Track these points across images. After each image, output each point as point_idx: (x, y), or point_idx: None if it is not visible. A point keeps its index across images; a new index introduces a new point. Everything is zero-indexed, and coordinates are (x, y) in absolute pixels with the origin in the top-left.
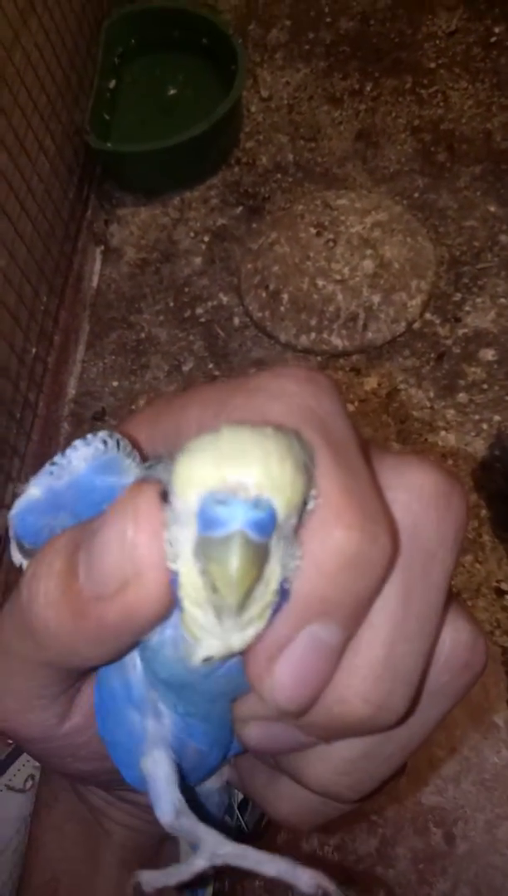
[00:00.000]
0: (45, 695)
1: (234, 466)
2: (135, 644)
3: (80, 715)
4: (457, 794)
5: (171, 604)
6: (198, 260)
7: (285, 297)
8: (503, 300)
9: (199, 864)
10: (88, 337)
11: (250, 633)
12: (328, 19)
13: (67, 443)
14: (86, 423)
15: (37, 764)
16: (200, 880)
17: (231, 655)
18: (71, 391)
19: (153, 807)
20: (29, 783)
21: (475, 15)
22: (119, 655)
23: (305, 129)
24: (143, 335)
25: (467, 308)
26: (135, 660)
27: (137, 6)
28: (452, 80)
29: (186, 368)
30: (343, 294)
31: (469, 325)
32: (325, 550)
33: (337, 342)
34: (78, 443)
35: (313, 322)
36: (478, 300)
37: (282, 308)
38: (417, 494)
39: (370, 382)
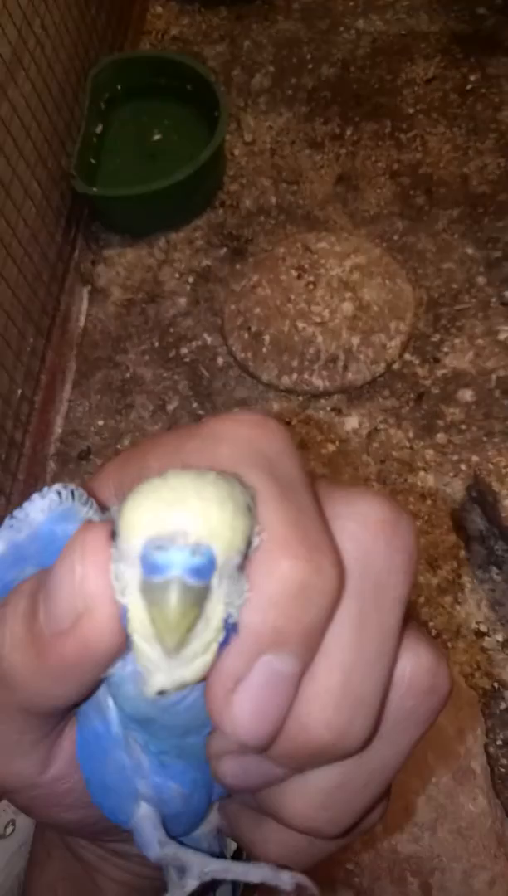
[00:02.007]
0: (22, 742)
1: (173, 513)
2: (98, 681)
3: (61, 761)
4: (433, 843)
5: (123, 636)
6: (183, 300)
7: (267, 338)
8: (480, 341)
9: (190, 883)
10: (75, 376)
11: (198, 665)
12: (310, 66)
13: (54, 482)
14: (72, 462)
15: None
16: None
17: (184, 687)
18: (57, 430)
19: (139, 847)
20: (10, 829)
21: (451, 63)
22: (84, 693)
23: (287, 172)
24: (128, 375)
25: (445, 349)
26: (109, 698)
27: (124, 54)
28: (430, 125)
29: (170, 407)
30: (323, 336)
31: (447, 365)
32: (272, 581)
33: (318, 382)
34: (35, 496)
35: (295, 363)
36: (456, 341)
37: (264, 349)
38: (363, 522)
39: (351, 422)
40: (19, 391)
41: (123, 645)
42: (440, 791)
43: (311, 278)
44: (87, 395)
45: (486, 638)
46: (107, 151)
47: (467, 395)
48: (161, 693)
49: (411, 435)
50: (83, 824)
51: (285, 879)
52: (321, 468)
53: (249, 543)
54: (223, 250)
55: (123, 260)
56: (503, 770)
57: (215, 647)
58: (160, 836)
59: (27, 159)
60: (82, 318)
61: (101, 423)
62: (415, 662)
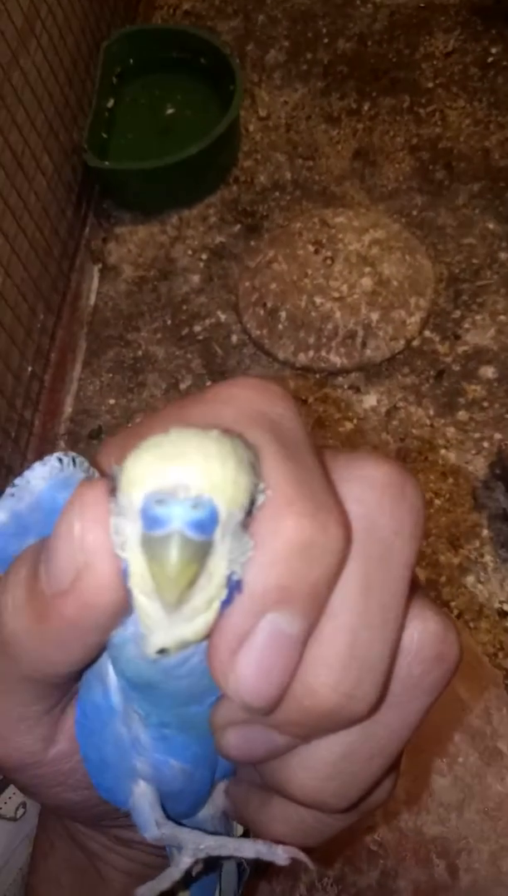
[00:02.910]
0: (27, 716)
1: (175, 467)
2: (101, 646)
3: (65, 740)
4: (460, 824)
5: (124, 593)
6: (196, 278)
7: (283, 314)
8: (502, 317)
9: (185, 861)
10: (85, 355)
11: (200, 622)
12: (326, 40)
13: None
14: (82, 442)
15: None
16: (191, 879)
17: (186, 647)
18: (67, 409)
19: (138, 827)
20: (21, 811)
21: (471, 36)
22: (88, 658)
23: (303, 147)
24: (140, 353)
25: (466, 325)
26: (109, 666)
27: (136, 26)
28: (450, 100)
29: (183, 386)
30: (342, 312)
31: (468, 342)
32: (277, 539)
33: (336, 360)
34: (35, 464)
35: (312, 340)
36: (478, 317)
37: (280, 326)
38: (369, 485)
39: (369, 400)
40: (30, 368)
41: (125, 603)
42: (467, 771)
43: (328, 253)
44: (98, 373)
45: None
46: (119, 126)
47: (489, 371)
48: (162, 652)
49: (431, 413)
50: (86, 806)
51: (280, 854)
52: (339, 447)
53: (252, 501)
54: (237, 227)
55: (134, 237)
56: None
57: (217, 604)
58: (158, 816)
59: (39, 131)
60: (93, 296)
61: (112, 401)
62: (423, 629)
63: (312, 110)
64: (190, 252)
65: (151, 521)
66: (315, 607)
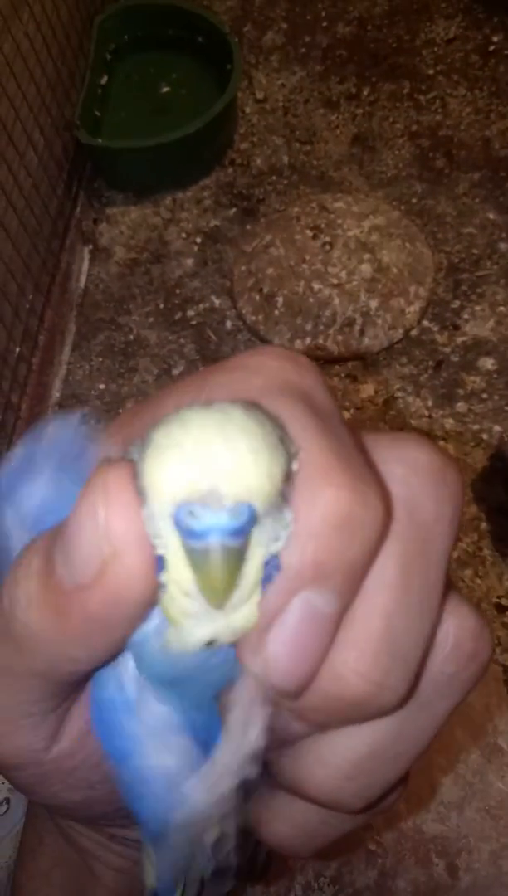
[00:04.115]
0: (33, 712)
1: (204, 475)
2: (128, 637)
3: (68, 739)
4: (461, 823)
5: (156, 585)
6: (190, 261)
7: (280, 300)
8: (502, 308)
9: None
10: (75, 338)
11: (246, 611)
12: (325, 23)
13: None
14: None
15: (10, 787)
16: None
17: (236, 635)
18: (56, 393)
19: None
20: (4, 807)
21: (473, 23)
22: (112, 653)
23: (300, 131)
24: (131, 337)
25: (465, 316)
26: (128, 662)
27: (131, 2)
28: (450, 87)
29: (176, 372)
30: (340, 298)
31: (467, 333)
32: (314, 511)
33: (333, 348)
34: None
35: (309, 327)
36: (477, 308)
37: (276, 311)
38: (413, 468)
39: (367, 390)
40: (17, 350)
41: (155, 596)
42: (468, 769)
43: (327, 238)
44: (87, 357)
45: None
46: (112, 103)
47: (488, 363)
48: (210, 644)
49: (430, 403)
50: (85, 806)
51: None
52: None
53: (288, 474)
54: (233, 210)
55: (126, 219)
56: None
57: (258, 589)
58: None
59: (31, 104)
60: (83, 278)
61: (102, 386)
62: (459, 624)
63: (310, 94)
64: (184, 235)
65: (186, 531)
66: (353, 586)
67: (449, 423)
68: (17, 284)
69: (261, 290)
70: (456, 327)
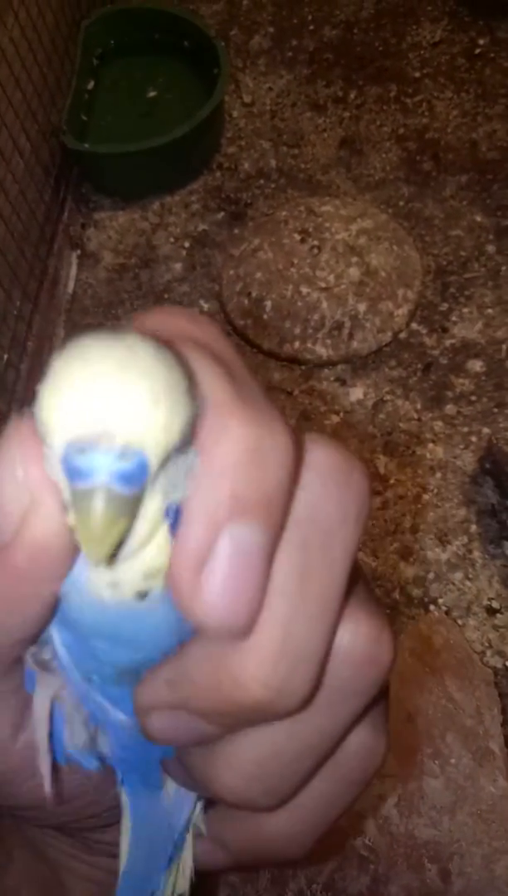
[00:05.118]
0: None
1: (95, 410)
2: (56, 595)
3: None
4: (452, 827)
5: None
6: (178, 266)
7: (269, 304)
8: (490, 310)
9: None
10: (64, 343)
11: (148, 555)
12: (312, 27)
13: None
14: None
15: None
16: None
17: (149, 581)
18: None
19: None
20: None
21: (459, 27)
22: (44, 614)
23: (288, 135)
24: None
25: (454, 318)
26: (55, 633)
27: (116, 6)
28: (437, 90)
29: None
30: (328, 302)
31: (456, 335)
32: (223, 446)
33: (322, 351)
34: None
35: (297, 330)
36: (465, 310)
37: (265, 315)
38: (315, 470)
39: (356, 393)
40: (6, 357)
41: (76, 547)
42: (460, 773)
43: (315, 242)
44: None
45: (498, 615)
46: (99, 108)
47: (476, 365)
48: (113, 586)
49: (419, 406)
50: (58, 802)
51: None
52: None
53: (192, 421)
54: (221, 214)
55: (114, 223)
56: None
57: (161, 530)
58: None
59: (17, 110)
60: (71, 284)
61: None
62: (353, 630)
63: (297, 97)
64: (172, 239)
65: (73, 472)
66: (275, 518)
67: (438, 425)
68: (5, 290)
69: (249, 294)
70: (445, 330)
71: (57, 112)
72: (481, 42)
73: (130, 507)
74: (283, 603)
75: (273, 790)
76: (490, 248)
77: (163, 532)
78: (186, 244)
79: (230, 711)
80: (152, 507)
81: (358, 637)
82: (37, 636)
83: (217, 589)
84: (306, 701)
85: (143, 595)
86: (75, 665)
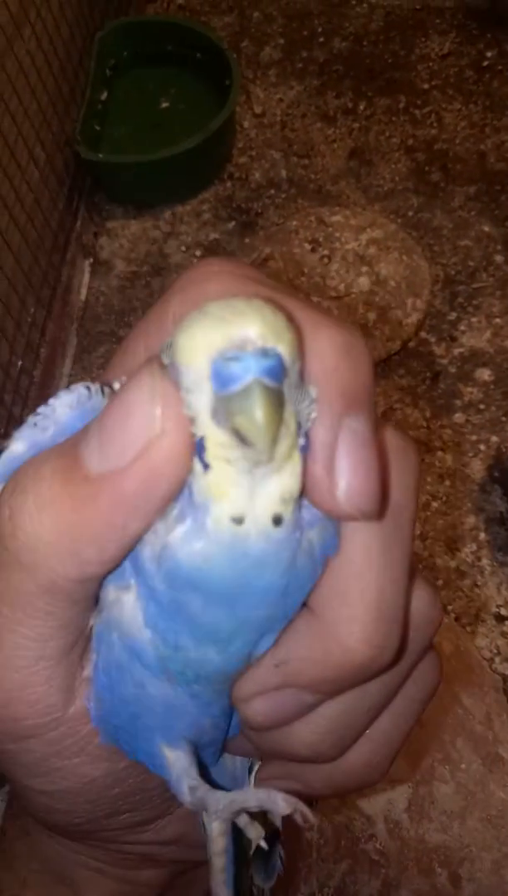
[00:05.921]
0: (45, 655)
1: (235, 324)
2: (139, 537)
3: (83, 698)
4: (463, 832)
5: (188, 469)
6: None
7: None
8: (498, 320)
9: (214, 828)
10: (76, 350)
11: (289, 472)
12: (321, 39)
13: None
14: None
15: None
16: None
17: (287, 504)
18: None
19: (173, 790)
20: None
21: (467, 39)
22: (121, 553)
23: (298, 146)
24: None
25: (462, 327)
26: (139, 621)
27: (130, 18)
28: (445, 102)
29: None
30: (339, 311)
31: (464, 344)
32: (323, 347)
33: None
34: (61, 392)
35: None
36: (473, 319)
37: None
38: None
39: None
40: (19, 363)
41: (182, 485)
42: (470, 778)
43: (326, 252)
44: (88, 370)
45: (507, 622)
46: (112, 119)
47: (485, 374)
48: (236, 520)
49: (427, 414)
50: (104, 786)
51: (280, 802)
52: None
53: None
54: (232, 224)
55: (127, 232)
56: None
57: (295, 454)
58: (191, 781)
59: (32, 120)
60: (84, 291)
61: None
62: (418, 595)
63: (307, 108)
64: (183, 248)
65: (225, 379)
66: (371, 406)
67: (447, 433)
68: (19, 298)
69: None
70: (453, 339)
71: (71, 122)
72: (489, 54)
73: (279, 400)
74: (373, 571)
75: (342, 742)
76: (499, 258)
77: (297, 459)
78: (198, 253)
79: (337, 677)
80: (291, 419)
81: (422, 600)
82: (100, 579)
83: (349, 475)
84: (399, 655)
85: (278, 520)
86: (161, 640)
